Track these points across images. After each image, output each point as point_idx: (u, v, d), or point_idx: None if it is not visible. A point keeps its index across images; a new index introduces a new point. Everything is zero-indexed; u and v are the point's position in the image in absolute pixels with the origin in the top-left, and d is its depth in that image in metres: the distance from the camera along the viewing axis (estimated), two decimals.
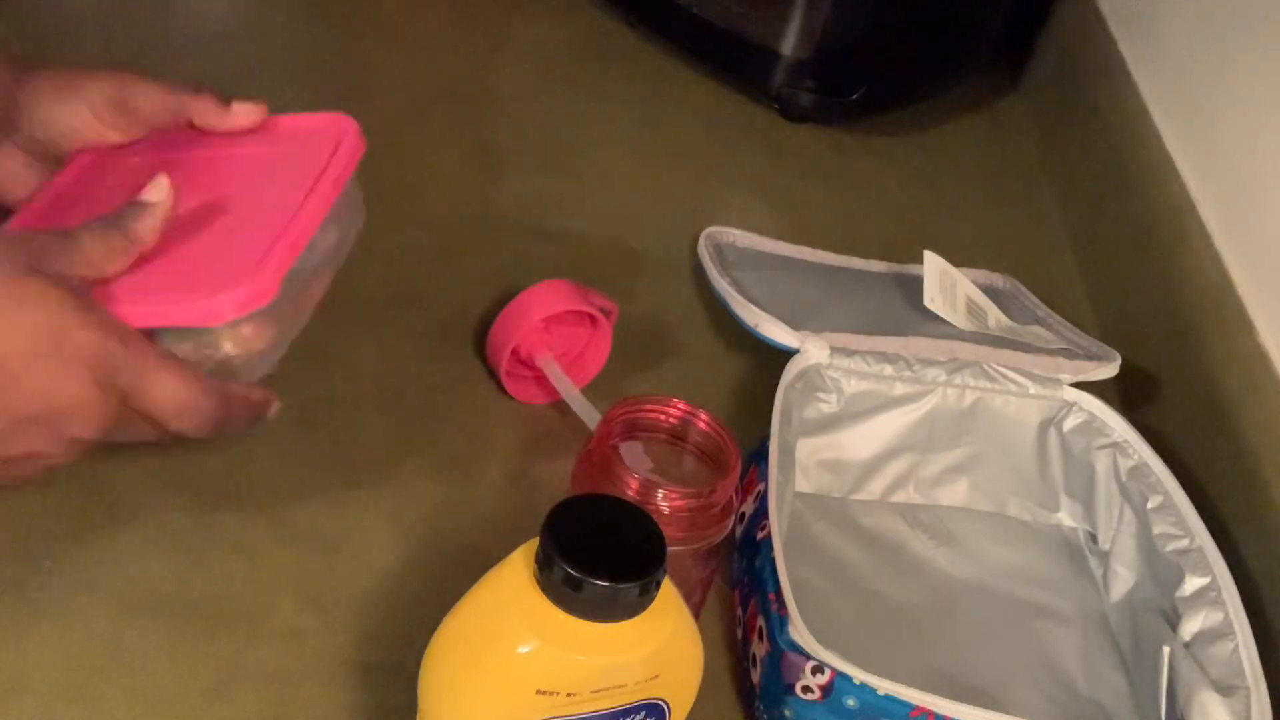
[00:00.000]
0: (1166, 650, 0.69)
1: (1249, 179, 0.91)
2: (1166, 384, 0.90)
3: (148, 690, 0.60)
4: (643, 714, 0.52)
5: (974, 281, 0.93)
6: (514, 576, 0.50)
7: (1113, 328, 0.97)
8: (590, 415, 0.76)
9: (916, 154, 1.17)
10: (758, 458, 0.73)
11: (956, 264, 0.92)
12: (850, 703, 0.60)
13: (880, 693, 0.60)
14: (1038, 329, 0.91)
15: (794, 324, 0.79)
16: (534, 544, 0.49)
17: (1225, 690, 0.65)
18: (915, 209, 1.10)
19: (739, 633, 0.70)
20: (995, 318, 0.90)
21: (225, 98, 0.70)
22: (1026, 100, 1.28)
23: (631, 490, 0.61)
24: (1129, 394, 0.92)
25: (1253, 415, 0.80)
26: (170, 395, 0.58)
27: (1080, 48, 1.19)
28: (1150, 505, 0.76)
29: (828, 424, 0.79)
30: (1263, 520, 0.75)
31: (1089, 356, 0.86)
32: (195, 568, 0.66)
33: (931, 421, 0.80)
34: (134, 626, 0.63)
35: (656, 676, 0.51)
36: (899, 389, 0.79)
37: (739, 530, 0.73)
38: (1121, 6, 1.17)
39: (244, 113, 0.70)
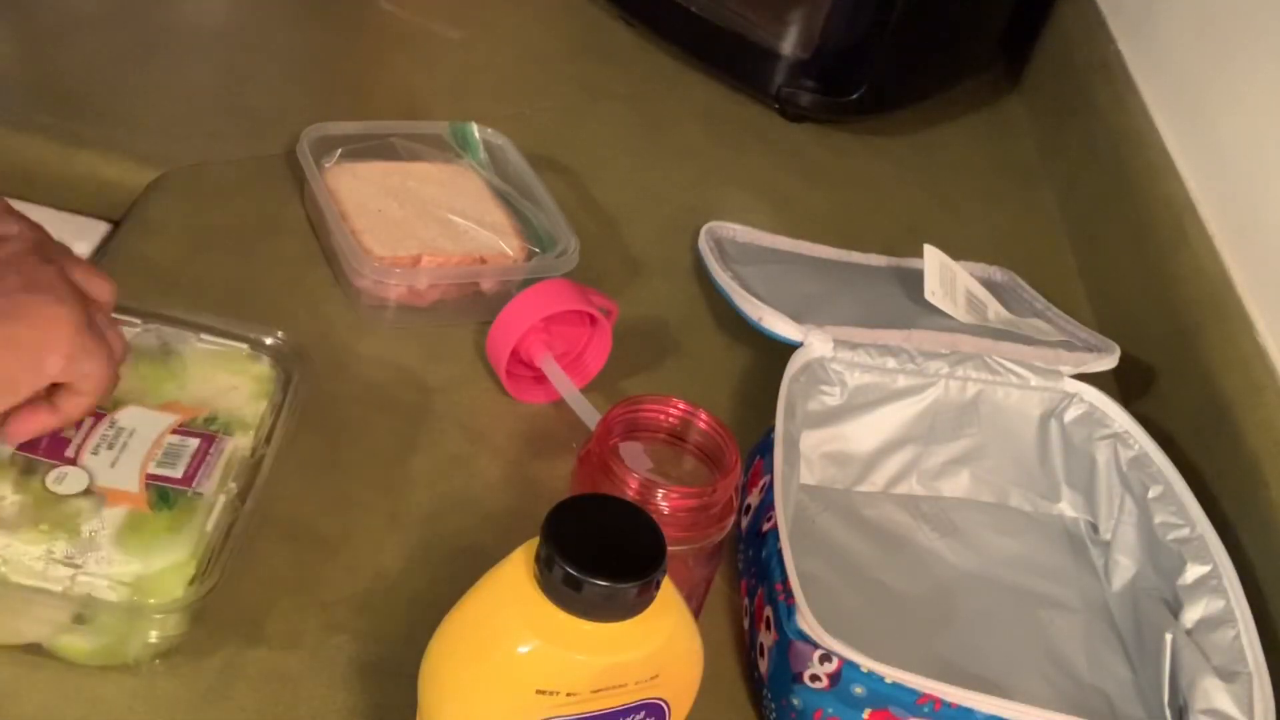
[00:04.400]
0: (1169, 637, 0.70)
1: (1249, 178, 0.91)
2: (1166, 380, 0.91)
3: (148, 690, 0.60)
4: (642, 714, 0.52)
5: (972, 275, 0.93)
6: (514, 576, 0.50)
7: (1112, 327, 0.97)
8: (590, 415, 0.76)
9: (916, 154, 1.17)
10: (763, 449, 0.74)
11: (956, 261, 0.92)
12: (858, 691, 0.61)
13: (888, 680, 0.60)
14: (1037, 322, 0.91)
15: (797, 317, 0.79)
16: (534, 544, 0.49)
17: (1227, 676, 0.66)
18: (915, 209, 1.10)
19: (746, 623, 0.70)
20: (995, 311, 0.90)
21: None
22: (1026, 100, 1.28)
23: (631, 490, 0.62)
24: (1128, 390, 0.92)
25: (1252, 411, 0.80)
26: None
27: (1080, 48, 1.19)
28: (1151, 495, 0.76)
29: (831, 416, 0.79)
30: (1262, 510, 0.76)
31: (1088, 348, 0.86)
32: None
33: (934, 413, 0.80)
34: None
35: (656, 676, 0.51)
36: (901, 381, 0.79)
37: (745, 522, 0.73)
38: (1121, 6, 1.17)
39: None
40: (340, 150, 0.90)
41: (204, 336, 0.72)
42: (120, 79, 0.98)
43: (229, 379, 0.70)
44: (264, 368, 0.72)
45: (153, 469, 0.64)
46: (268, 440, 0.68)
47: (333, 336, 0.81)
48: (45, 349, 0.60)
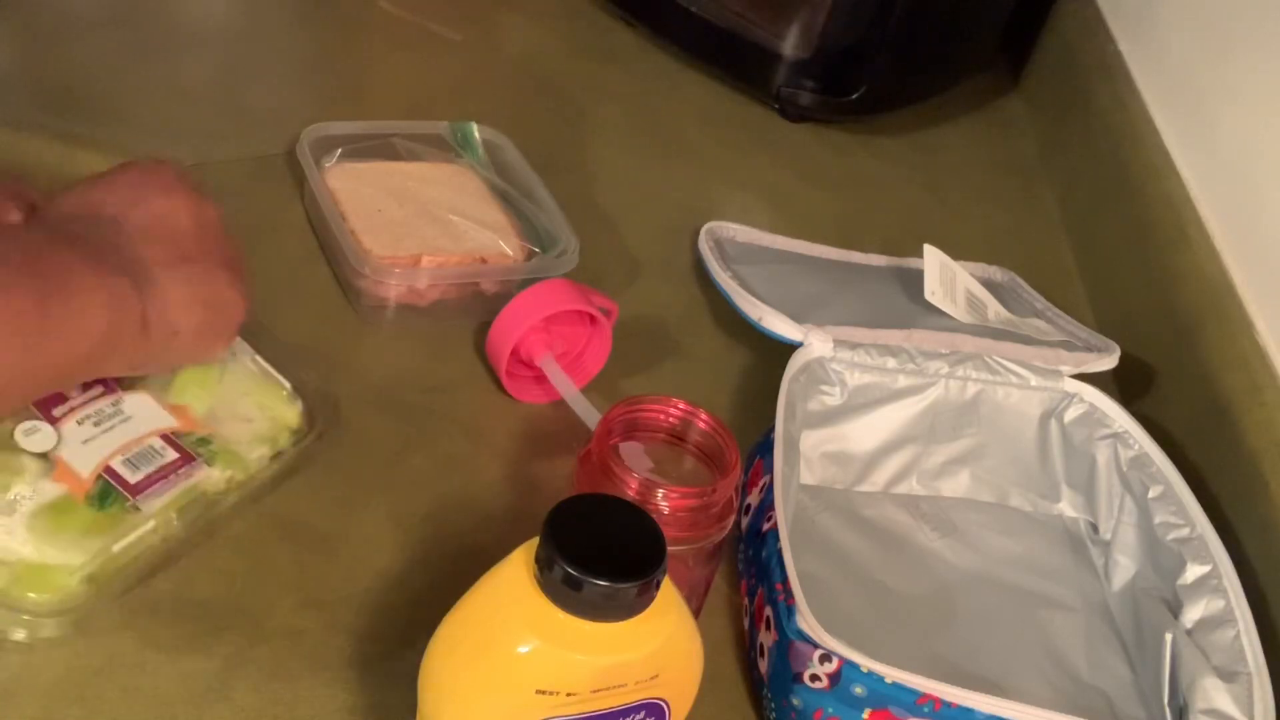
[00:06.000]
0: (1169, 637, 0.70)
1: (1249, 178, 0.91)
2: (1165, 380, 0.91)
3: (148, 690, 0.60)
4: (642, 714, 0.52)
5: (972, 275, 0.93)
6: (514, 576, 0.50)
7: (1112, 326, 0.97)
8: (590, 415, 0.76)
9: (916, 154, 1.17)
10: (763, 450, 0.74)
11: (956, 261, 0.92)
12: (858, 691, 0.61)
13: (888, 680, 0.60)
14: (1037, 321, 0.91)
15: (797, 317, 0.79)
16: (534, 544, 0.49)
17: (1227, 676, 0.66)
18: (915, 209, 1.10)
19: (746, 623, 0.70)
20: (995, 310, 0.90)
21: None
22: (1026, 100, 1.28)
23: (631, 490, 0.62)
24: (1128, 389, 0.92)
25: (1252, 411, 0.80)
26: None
27: (1080, 48, 1.19)
28: (1151, 495, 0.76)
29: (831, 416, 0.79)
30: (1262, 510, 0.76)
31: (1088, 348, 0.86)
32: (195, 567, 0.66)
33: (934, 413, 0.80)
34: (134, 626, 0.63)
35: (656, 676, 0.51)
36: (901, 381, 0.80)
37: (745, 522, 0.73)
38: (1121, 6, 1.17)
39: None
40: (340, 150, 0.90)
41: (257, 358, 0.69)
42: (120, 79, 0.98)
43: (252, 410, 0.68)
44: (292, 415, 0.69)
45: (116, 463, 0.61)
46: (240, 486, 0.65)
47: (333, 336, 0.81)
48: (229, 332, 0.64)
